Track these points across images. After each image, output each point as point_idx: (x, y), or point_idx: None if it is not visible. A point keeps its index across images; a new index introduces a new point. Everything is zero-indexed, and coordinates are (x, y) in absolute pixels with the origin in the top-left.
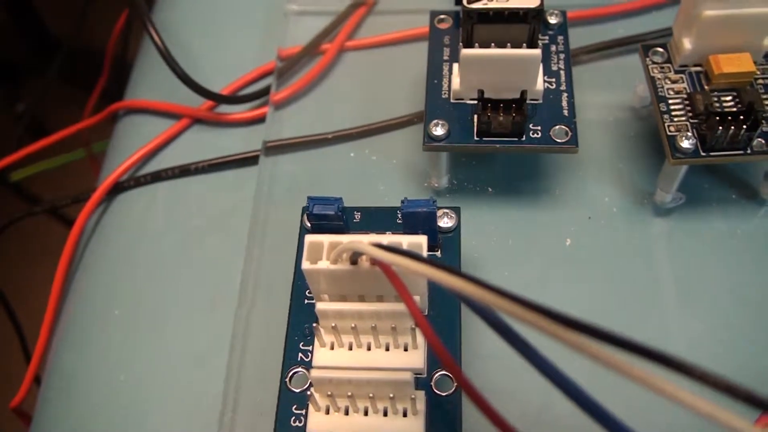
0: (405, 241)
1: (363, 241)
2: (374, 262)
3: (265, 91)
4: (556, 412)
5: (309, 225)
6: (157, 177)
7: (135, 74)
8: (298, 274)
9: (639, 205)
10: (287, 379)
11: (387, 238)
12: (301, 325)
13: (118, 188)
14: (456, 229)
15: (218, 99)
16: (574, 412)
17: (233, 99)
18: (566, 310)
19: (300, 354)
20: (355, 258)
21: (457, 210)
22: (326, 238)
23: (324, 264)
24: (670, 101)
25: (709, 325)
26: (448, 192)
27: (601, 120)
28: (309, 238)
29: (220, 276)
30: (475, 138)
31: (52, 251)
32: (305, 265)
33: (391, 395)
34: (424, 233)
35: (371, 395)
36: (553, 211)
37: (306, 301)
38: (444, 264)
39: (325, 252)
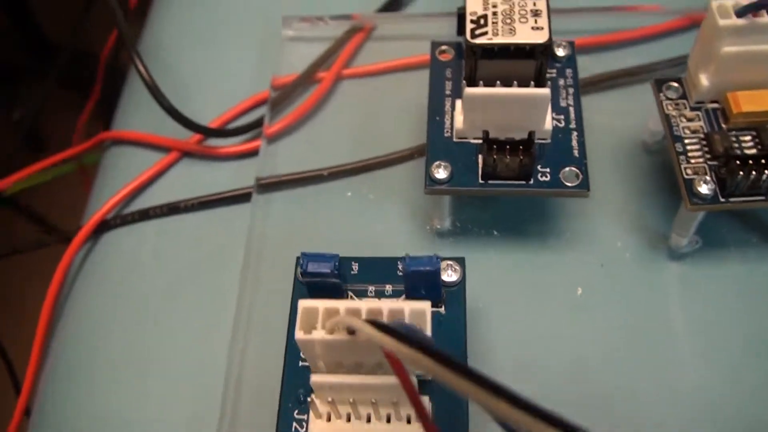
0: (407, 308)
1: (361, 313)
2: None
3: (257, 123)
4: None
5: (302, 280)
6: (145, 215)
7: (123, 102)
8: (291, 336)
9: (653, 248)
10: None
11: (387, 305)
12: (296, 391)
13: (104, 226)
14: (460, 283)
15: (208, 133)
16: None
17: (223, 132)
18: (578, 363)
19: (294, 424)
20: (352, 329)
21: (461, 261)
22: (321, 305)
23: (319, 333)
24: (686, 141)
25: (725, 375)
26: (451, 235)
27: (611, 155)
28: (303, 304)
29: (212, 320)
30: (480, 181)
31: (40, 286)
32: (299, 334)
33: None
34: (426, 290)
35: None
36: (563, 256)
37: (300, 364)
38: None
39: (320, 319)
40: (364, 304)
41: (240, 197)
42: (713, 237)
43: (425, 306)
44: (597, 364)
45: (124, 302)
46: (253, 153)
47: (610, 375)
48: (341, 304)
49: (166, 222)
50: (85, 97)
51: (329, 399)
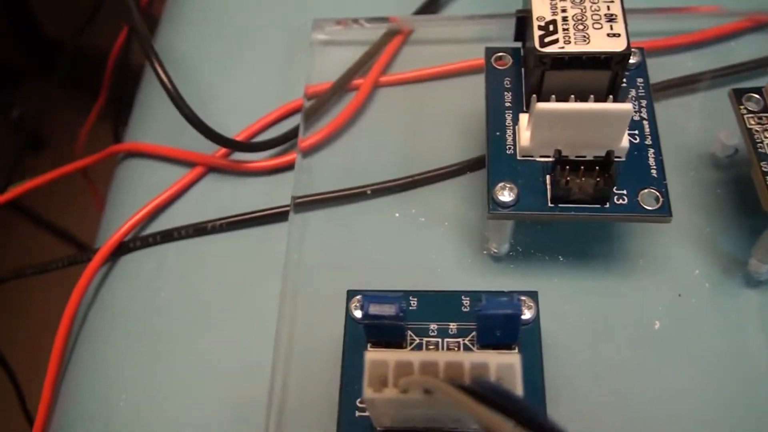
0: (493, 363)
1: (442, 383)
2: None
3: (289, 136)
4: None
5: (359, 316)
6: (168, 237)
7: (137, 110)
8: (346, 381)
9: (730, 275)
10: None
11: (468, 358)
12: None
13: (122, 249)
14: (535, 320)
15: (235, 146)
16: None
17: (253, 146)
18: (655, 402)
19: None
20: (430, 389)
21: (534, 296)
22: (391, 357)
23: (391, 392)
24: None
25: None
26: (511, 261)
27: (680, 172)
28: (370, 357)
29: (245, 355)
30: (549, 204)
31: (52, 313)
32: (368, 393)
33: None
34: (502, 333)
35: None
36: (636, 283)
37: (357, 414)
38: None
39: (390, 375)
40: (441, 357)
41: (274, 217)
42: None
43: (514, 360)
44: (677, 403)
45: (144, 334)
46: (286, 168)
47: (690, 414)
48: (414, 357)
49: (192, 244)
50: (90, 97)
51: None
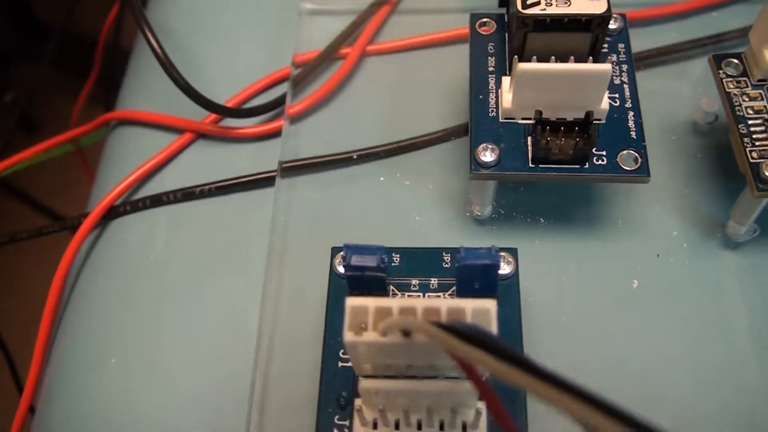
0: (468, 308)
1: (418, 313)
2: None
3: (278, 103)
4: None
5: (343, 271)
6: (157, 201)
7: (128, 80)
8: (330, 333)
9: (708, 236)
10: None
11: (445, 303)
12: (336, 394)
13: (112, 213)
14: (514, 276)
15: (225, 112)
16: None
17: (241, 112)
18: (635, 358)
19: (335, 431)
20: (408, 331)
21: (514, 252)
22: (371, 303)
23: (371, 335)
24: (750, 122)
25: None
26: (494, 223)
27: (661, 138)
28: (351, 303)
29: (233, 316)
30: (530, 165)
31: (44, 277)
32: (348, 336)
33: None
34: (481, 286)
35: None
36: (615, 245)
37: (340, 364)
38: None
39: (370, 319)
40: (419, 303)
41: (261, 182)
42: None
43: (490, 304)
44: (655, 362)
45: (133, 297)
46: (274, 134)
47: (668, 371)
48: (393, 303)
49: (181, 209)
50: (81, 79)
51: (380, 407)
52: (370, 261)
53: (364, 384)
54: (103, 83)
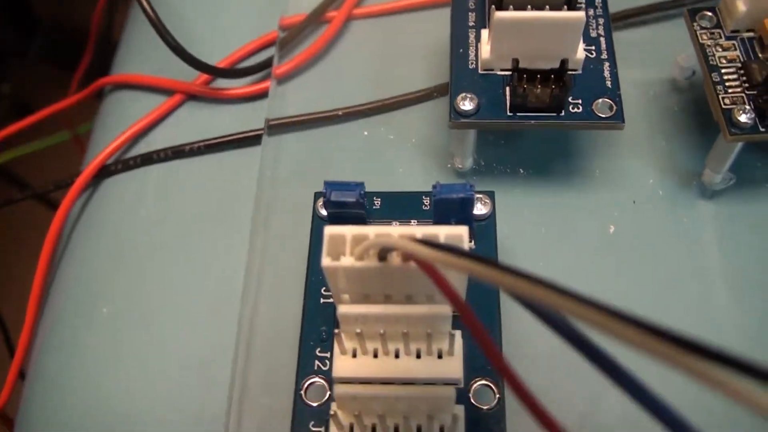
0: (442, 233)
1: (394, 234)
2: (409, 258)
3: (266, 64)
4: (600, 420)
5: (325, 213)
6: (148, 159)
7: (122, 47)
8: (312, 270)
9: (685, 186)
10: (302, 391)
11: (419, 230)
12: (317, 328)
13: (104, 172)
14: (491, 216)
15: (215, 72)
16: (618, 418)
17: (231, 72)
18: (610, 300)
19: (317, 362)
20: (383, 254)
21: (491, 195)
22: (349, 230)
23: (348, 260)
24: (723, 71)
25: (759, 317)
26: (475, 174)
27: (640, 93)
28: (329, 230)
29: (221, 269)
30: (508, 113)
31: (35, 239)
32: (326, 261)
33: (429, 413)
34: (457, 222)
35: (404, 414)
36: (593, 194)
37: (322, 300)
38: (502, 263)
39: (348, 246)
40: (395, 230)
41: (249, 140)
42: (747, 174)
43: (462, 230)
44: (628, 303)
45: (126, 253)
46: (263, 95)
47: (642, 313)
48: (370, 230)
49: (171, 166)
50: (73, 72)
51: (357, 331)
52: (350, 197)
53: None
54: (95, 73)
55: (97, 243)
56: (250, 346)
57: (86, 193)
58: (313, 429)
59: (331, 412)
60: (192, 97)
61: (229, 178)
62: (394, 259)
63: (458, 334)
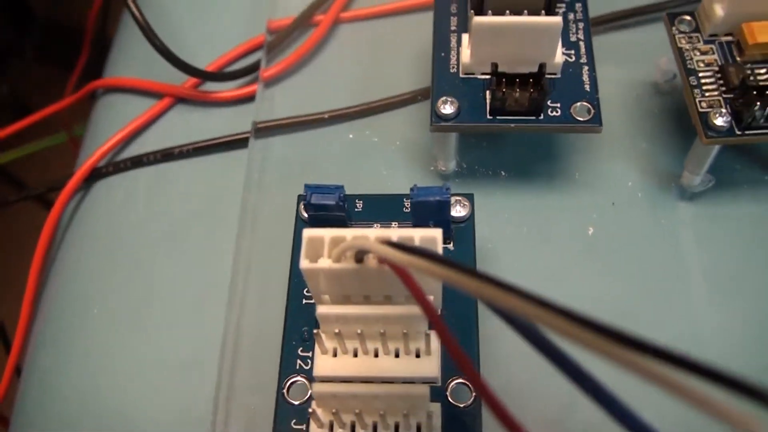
0: (417, 235)
1: (370, 237)
2: (383, 261)
3: (254, 68)
4: (578, 417)
5: (306, 216)
6: (138, 162)
7: (114, 51)
8: (295, 272)
9: (665, 188)
10: (285, 390)
11: (396, 232)
12: (299, 329)
13: (96, 175)
14: (470, 219)
15: (203, 76)
16: (595, 416)
17: (219, 76)
18: (591, 306)
19: (299, 361)
20: (360, 256)
21: (470, 197)
22: (327, 233)
23: (325, 262)
24: (701, 74)
25: (739, 318)
26: (457, 176)
27: (621, 96)
28: (308, 233)
29: (209, 269)
30: (488, 116)
31: (31, 239)
32: (304, 263)
33: (405, 411)
34: (435, 224)
35: (381, 412)
36: (573, 196)
37: (304, 301)
38: (470, 267)
39: (326, 248)
40: (371, 233)
41: (237, 142)
42: (725, 176)
43: (436, 233)
44: (609, 306)
45: (117, 253)
46: (250, 98)
47: (620, 316)
48: (347, 232)
49: (160, 169)
50: (70, 72)
51: (336, 330)
52: (330, 199)
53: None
54: (92, 74)
55: (88, 244)
56: (236, 347)
57: (79, 195)
58: (295, 427)
59: (310, 410)
60: (181, 100)
61: (217, 180)
62: (371, 261)
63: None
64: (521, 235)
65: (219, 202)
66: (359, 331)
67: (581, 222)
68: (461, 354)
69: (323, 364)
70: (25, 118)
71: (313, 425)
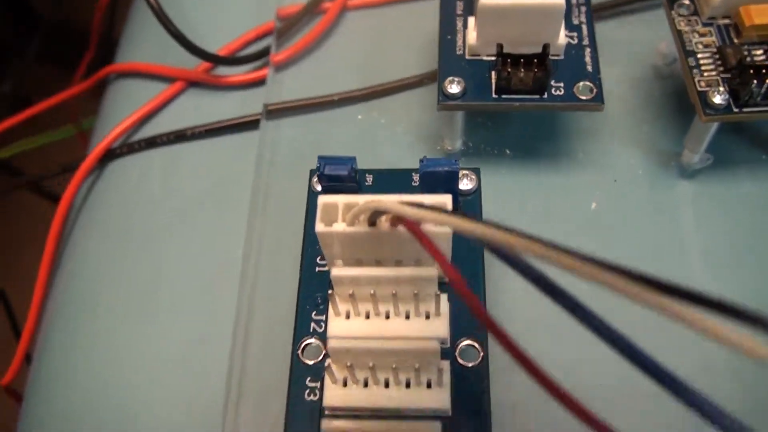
0: (428, 200)
1: (381, 200)
2: (397, 221)
3: (265, 52)
4: (582, 381)
5: (319, 189)
6: (152, 143)
7: (126, 36)
8: (308, 241)
9: (665, 166)
10: (299, 351)
11: (407, 197)
12: (313, 294)
13: (109, 156)
14: (476, 192)
15: (215, 60)
16: (600, 375)
17: (231, 60)
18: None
19: (312, 324)
20: (374, 219)
21: (477, 171)
22: (341, 199)
23: (340, 226)
24: (699, 55)
25: (736, 293)
26: (463, 155)
27: (623, 79)
28: (323, 199)
29: (220, 246)
30: (494, 95)
31: (42, 225)
32: (319, 227)
33: (416, 366)
34: (443, 192)
35: (394, 366)
36: (576, 174)
37: (317, 269)
38: (478, 216)
39: (340, 213)
40: (384, 197)
41: (248, 124)
42: (724, 155)
43: (446, 198)
44: None
45: (130, 234)
46: (261, 82)
47: None
48: (360, 198)
49: (173, 150)
50: (73, 70)
51: (350, 292)
52: (342, 170)
53: (334, 271)
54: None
55: (102, 224)
56: (250, 322)
57: (92, 177)
58: (310, 384)
59: (326, 364)
60: (193, 84)
61: (229, 160)
62: (383, 224)
63: (444, 296)
64: (525, 211)
65: (230, 181)
66: (372, 292)
67: (584, 199)
68: (473, 298)
69: (337, 325)
70: (35, 105)
71: (327, 380)
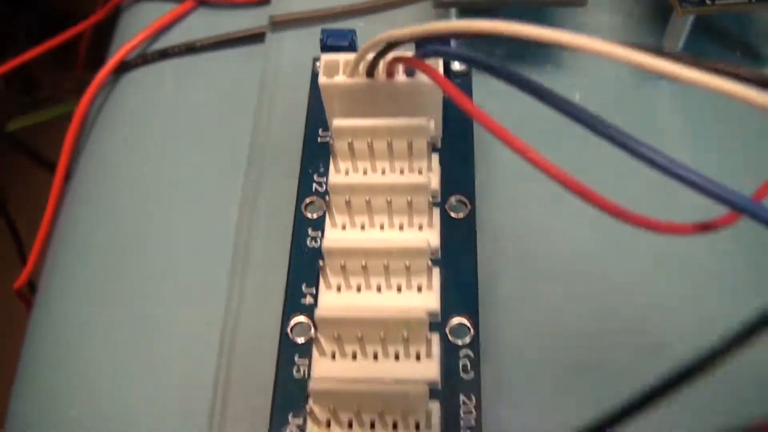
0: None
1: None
2: (394, 64)
3: None
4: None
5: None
6: (164, 54)
7: None
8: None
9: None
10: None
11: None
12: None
13: (124, 67)
14: (467, 75)
15: None
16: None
17: None
18: (574, 168)
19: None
20: (371, 69)
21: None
22: (342, 56)
23: (340, 78)
24: None
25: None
26: None
27: None
28: (325, 57)
29: (226, 156)
30: None
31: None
32: (322, 80)
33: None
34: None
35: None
36: (562, 73)
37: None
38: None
39: (341, 67)
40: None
41: (255, 36)
42: (699, 54)
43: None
44: (589, 175)
45: (144, 143)
46: (269, 1)
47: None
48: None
49: (184, 61)
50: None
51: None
52: (344, 41)
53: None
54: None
55: (116, 135)
56: (247, 250)
57: (106, 90)
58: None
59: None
60: (203, 3)
61: (238, 71)
62: (380, 75)
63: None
64: (512, 110)
65: (238, 91)
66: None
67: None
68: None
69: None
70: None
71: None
